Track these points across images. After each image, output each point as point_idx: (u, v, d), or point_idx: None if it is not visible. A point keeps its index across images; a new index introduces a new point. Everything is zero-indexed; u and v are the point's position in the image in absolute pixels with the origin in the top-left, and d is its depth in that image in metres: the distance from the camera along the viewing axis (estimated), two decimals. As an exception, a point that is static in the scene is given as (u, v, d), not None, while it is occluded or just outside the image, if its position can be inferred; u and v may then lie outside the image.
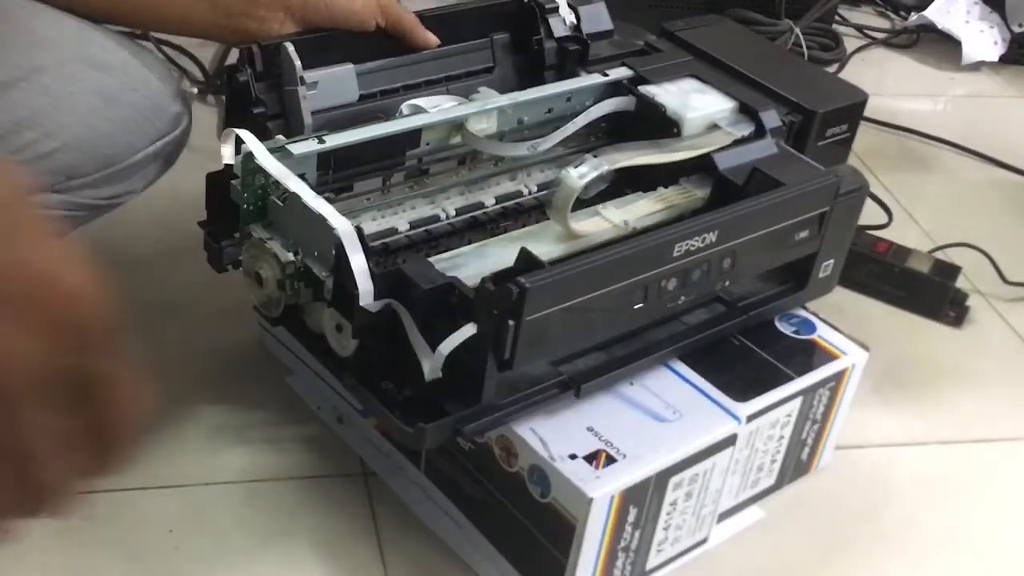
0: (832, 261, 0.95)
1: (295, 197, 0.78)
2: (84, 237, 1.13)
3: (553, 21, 0.99)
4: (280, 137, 0.84)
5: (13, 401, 0.37)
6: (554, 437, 0.80)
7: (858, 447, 1.03)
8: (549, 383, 0.81)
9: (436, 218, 0.87)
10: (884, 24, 1.87)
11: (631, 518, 0.81)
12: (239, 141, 0.81)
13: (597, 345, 0.84)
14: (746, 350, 0.91)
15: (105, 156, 0.87)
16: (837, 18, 1.79)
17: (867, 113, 1.06)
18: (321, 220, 0.76)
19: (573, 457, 0.79)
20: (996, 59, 1.79)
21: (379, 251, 0.83)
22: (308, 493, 0.91)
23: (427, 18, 0.93)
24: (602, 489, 0.77)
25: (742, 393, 0.87)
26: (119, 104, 0.87)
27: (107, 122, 0.86)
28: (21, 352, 0.37)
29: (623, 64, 0.98)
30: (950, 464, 1.04)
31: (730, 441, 0.85)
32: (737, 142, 0.92)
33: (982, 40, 1.79)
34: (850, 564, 0.93)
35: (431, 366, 0.74)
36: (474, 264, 0.80)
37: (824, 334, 0.94)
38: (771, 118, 0.94)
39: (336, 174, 0.85)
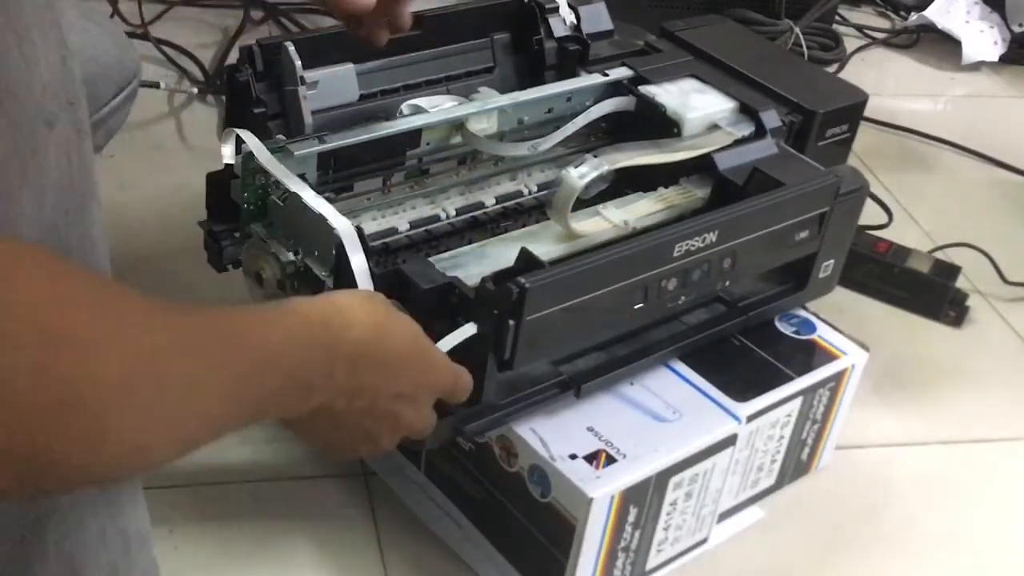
0: (832, 261, 0.95)
1: (295, 197, 0.78)
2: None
3: (553, 21, 0.99)
4: (280, 137, 0.84)
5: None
6: (554, 437, 0.80)
7: (858, 447, 1.03)
8: (549, 383, 0.81)
9: (436, 218, 0.87)
10: (884, 24, 1.87)
11: (631, 518, 0.81)
12: (239, 141, 0.81)
13: (597, 345, 0.84)
14: (746, 350, 0.91)
15: None
16: (837, 18, 1.79)
17: (867, 113, 1.06)
18: (321, 220, 0.76)
19: (573, 457, 0.79)
20: (996, 59, 1.79)
21: (379, 251, 0.83)
22: (308, 493, 0.91)
23: (427, 18, 0.93)
24: (602, 489, 0.77)
25: (742, 393, 0.87)
26: (84, 60, 0.88)
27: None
28: (429, 421, 0.72)
29: (623, 64, 0.98)
30: (950, 464, 1.04)
31: (730, 441, 0.85)
32: (737, 142, 0.92)
33: (982, 40, 1.79)
34: (850, 564, 0.93)
35: None
36: (474, 264, 0.80)
37: (824, 334, 0.94)
38: (771, 118, 0.94)
39: (336, 174, 0.85)
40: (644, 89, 0.95)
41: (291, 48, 0.85)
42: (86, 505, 0.55)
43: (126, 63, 0.97)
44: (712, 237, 0.82)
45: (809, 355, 0.92)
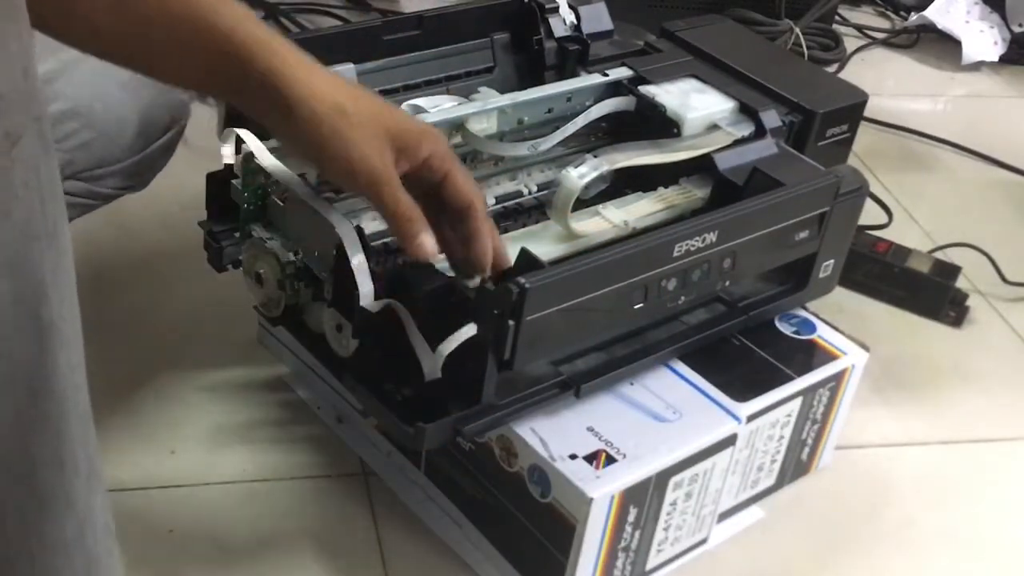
0: (832, 261, 0.95)
1: (295, 197, 0.78)
2: (83, 237, 1.13)
3: (553, 21, 0.99)
4: (280, 137, 0.84)
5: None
6: (554, 437, 0.80)
7: (858, 447, 1.03)
8: (549, 383, 0.81)
9: (436, 218, 0.87)
10: (884, 24, 1.87)
11: (631, 518, 0.81)
12: (239, 141, 0.81)
13: (597, 345, 0.84)
14: (746, 350, 0.91)
15: (131, 146, 0.90)
16: (837, 18, 1.79)
17: (867, 113, 1.06)
18: (321, 220, 0.76)
19: (573, 457, 0.79)
20: (996, 59, 1.79)
21: (379, 251, 0.82)
22: (308, 493, 0.91)
23: (427, 18, 0.93)
24: (602, 489, 0.77)
25: (742, 393, 0.87)
26: (140, 95, 0.89)
27: (133, 112, 0.89)
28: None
29: (623, 64, 0.98)
30: (950, 464, 1.04)
31: (730, 441, 0.85)
32: (737, 142, 0.92)
33: (982, 40, 1.79)
34: (850, 564, 0.93)
35: (430, 366, 0.74)
36: (474, 264, 0.80)
37: (824, 334, 0.94)
38: (771, 118, 0.94)
39: (336, 174, 0.85)
40: (644, 89, 0.95)
41: (291, 48, 0.85)
42: (60, 554, 0.52)
43: (175, 98, 0.95)
44: (712, 237, 0.82)
45: (809, 355, 0.92)
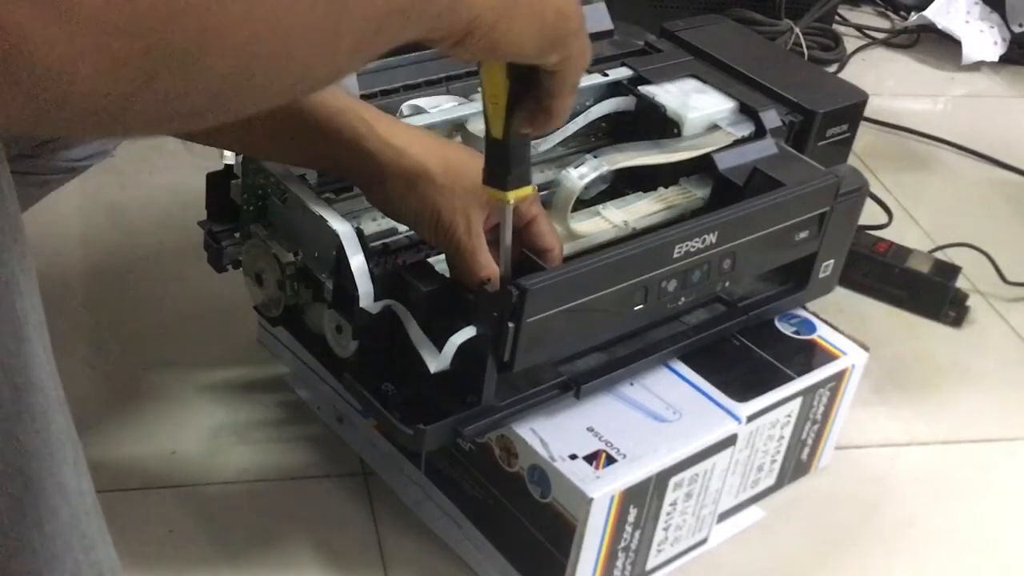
0: (832, 261, 0.95)
1: (295, 198, 0.78)
2: (84, 237, 1.13)
3: (553, 21, 0.99)
4: (280, 137, 0.84)
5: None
6: (554, 437, 0.80)
7: (858, 447, 1.03)
8: (549, 384, 0.81)
9: (436, 218, 0.87)
10: (884, 24, 1.87)
11: (631, 518, 0.81)
12: (239, 141, 0.81)
13: (597, 346, 0.84)
14: (746, 350, 0.91)
15: None
16: (837, 18, 1.79)
17: (867, 113, 1.06)
18: (321, 221, 0.76)
19: (573, 457, 0.79)
20: (996, 59, 1.79)
21: (379, 252, 0.82)
22: (308, 493, 0.91)
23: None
24: (602, 489, 0.77)
25: (742, 393, 0.87)
26: None
27: None
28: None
29: (623, 64, 0.98)
30: (950, 464, 1.04)
31: (730, 441, 0.85)
32: (737, 142, 0.92)
33: (982, 40, 1.79)
34: (850, 564, 0.93)
35: (438, 359, 0.74)
36: (474, 264, 0.80)
37: (824, 334, 0.94)
38: (771, 118, 0.94)
39: (336, 174, 0.85)
40: (644, 89, 0.95)
41: (291, 48, 0.85)
42: (59, 540, 0.53)
43: None
44: (712, 238, 0.82)
45: (809, 355, 0.92)
